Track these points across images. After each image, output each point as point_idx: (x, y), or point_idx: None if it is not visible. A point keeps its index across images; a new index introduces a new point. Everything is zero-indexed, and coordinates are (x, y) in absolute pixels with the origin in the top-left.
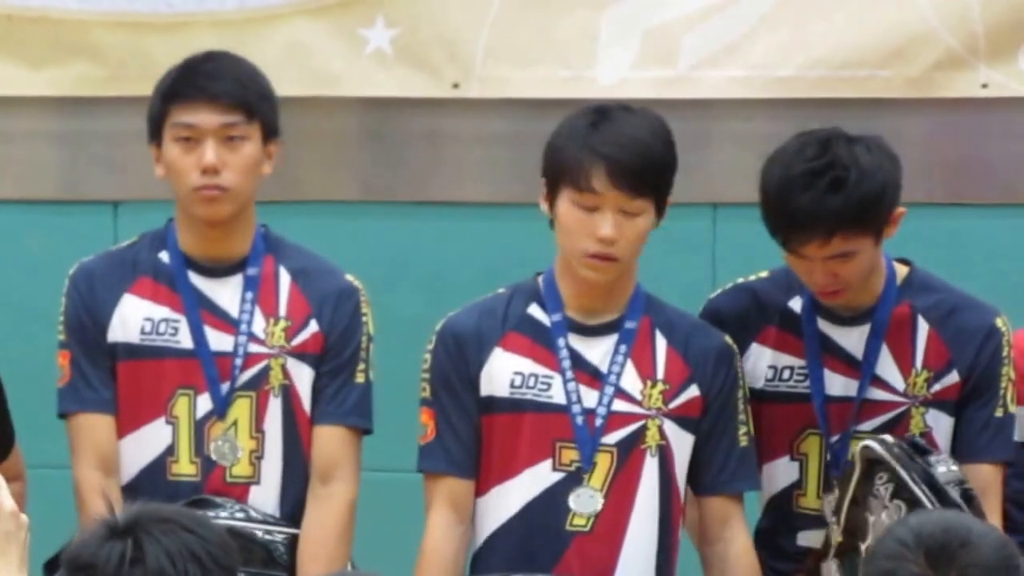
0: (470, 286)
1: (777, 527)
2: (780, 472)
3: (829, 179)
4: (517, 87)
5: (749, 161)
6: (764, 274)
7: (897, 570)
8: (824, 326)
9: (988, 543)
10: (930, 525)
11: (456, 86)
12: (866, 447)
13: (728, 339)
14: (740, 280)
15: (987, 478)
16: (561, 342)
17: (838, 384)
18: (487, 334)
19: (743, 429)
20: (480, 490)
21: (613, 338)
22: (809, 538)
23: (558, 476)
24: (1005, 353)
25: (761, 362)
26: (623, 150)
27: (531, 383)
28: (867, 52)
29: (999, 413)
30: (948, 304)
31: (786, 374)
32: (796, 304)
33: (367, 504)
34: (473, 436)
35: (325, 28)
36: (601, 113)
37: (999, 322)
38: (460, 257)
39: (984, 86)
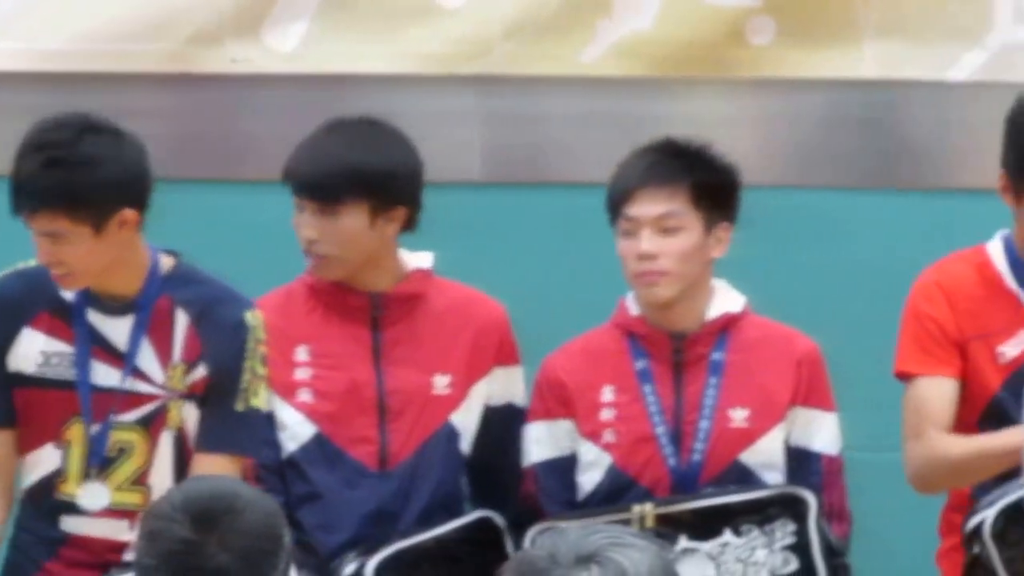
0: None
1: (37, 515)
2: (44, 459)
3: (47, 157)
4: None
5: None
6: (34, 262)
7: (164, 530)
8: (93, 316)
9: (254, 510)
10: (199, 490)
11: None
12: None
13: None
14: (20, 265)
15: (219, 471)
16: None
17: (103, 374)
18: None
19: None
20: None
21: None
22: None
23: None
24: (251, 347)
25: (33, 347)
26: None
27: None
28: (129, 26)
29: (239, 407)
30: (206, 297)
31: (55, 360)
32: (68, 292)
33: None
34: None
35: None
36: None
37: (249, 316)
38: None
39: (233, 61)
